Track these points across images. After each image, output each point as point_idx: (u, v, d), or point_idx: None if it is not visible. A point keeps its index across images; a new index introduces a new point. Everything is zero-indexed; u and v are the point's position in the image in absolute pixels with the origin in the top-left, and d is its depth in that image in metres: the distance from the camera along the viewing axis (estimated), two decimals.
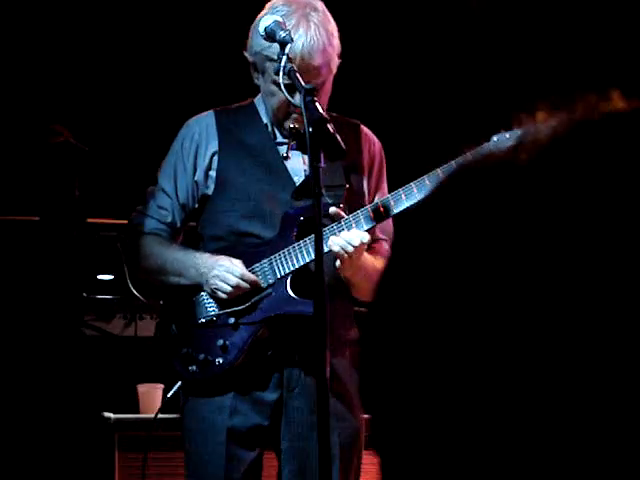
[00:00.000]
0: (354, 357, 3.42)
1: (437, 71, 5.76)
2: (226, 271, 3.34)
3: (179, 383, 3.43)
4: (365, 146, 3.53)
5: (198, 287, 3.42)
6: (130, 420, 4.58)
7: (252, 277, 3.35)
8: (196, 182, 3.49)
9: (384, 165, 3.58)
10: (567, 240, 0.75)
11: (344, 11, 3.63)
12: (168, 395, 3.47)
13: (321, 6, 3.39)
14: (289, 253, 3.34)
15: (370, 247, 3.49)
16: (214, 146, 3.48)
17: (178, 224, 3.52)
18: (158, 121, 3.93)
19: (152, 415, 4.62)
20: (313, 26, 3.30)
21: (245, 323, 3.37)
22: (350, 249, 3.20)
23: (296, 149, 3.46)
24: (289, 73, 3.08)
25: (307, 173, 3.42)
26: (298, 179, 3.44)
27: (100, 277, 5.30)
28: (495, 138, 3.22)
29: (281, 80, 3.10)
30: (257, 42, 3.34)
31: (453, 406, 0.78)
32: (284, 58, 3.10)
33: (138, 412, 4.76)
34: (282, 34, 3.13)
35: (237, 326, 3.37)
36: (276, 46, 3.23)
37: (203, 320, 3.41)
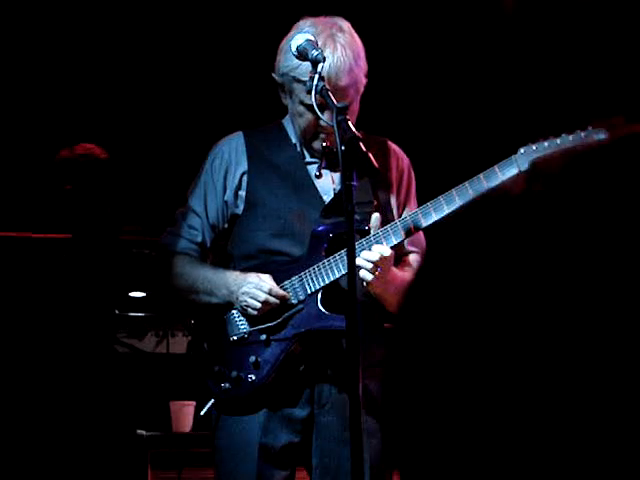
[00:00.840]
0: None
1: (465, 86, 5.76)
2: (255, 287, 3.36)
3: (212, 401, 3.44)
4: (393, 162, 3.54)
5: (229, 305, 3.44)
6: (163, 437, 4.60)
7: (281, 292, 3.37)
8: (226, 202, 3.52)
9: (413, 180, 3.60)
10: (583, 265, 0.76)
11: (371, 28, 3.64)
12: (201, 413, 3.48)
13: (347, 27, 3.41)
14: (319, 269, 3.36)
15: (401, 259, 3.49)
16: (243, 166, 3.51)
17: (208, 244, 3.55)
18: (190, 141, 3.95)
19: (184, 432, 4.64)
20: (340, 47, 3.32)
21: (277, 339, 3.39)
22: (369, 266, 3.21)
23: (326, 167, 3.48)
24: (321, 92, 3.09)
25: (336, 191, 3.45)
26: (327, 197, 3.46)
27: (132, 294, 5.33)
28: (522, 150, 3.24)
29: (313, 99, 3.11)
30: (285, 64, 3.37)
31: (478, 419, 0.79)
32: (316, 77, 3.11)
33: (170, 429, 4.78)
34: (314, 53, 3.14)
35: (269, 343, 3.39)
36: (304, 67, 3.25)
37: (235, 338, 3.43)
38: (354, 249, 2.86)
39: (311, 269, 3.37)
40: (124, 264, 5.15)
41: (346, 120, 2.94)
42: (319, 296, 3.37)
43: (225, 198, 3.52)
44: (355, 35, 3.41)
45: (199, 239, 3.54)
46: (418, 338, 0.80)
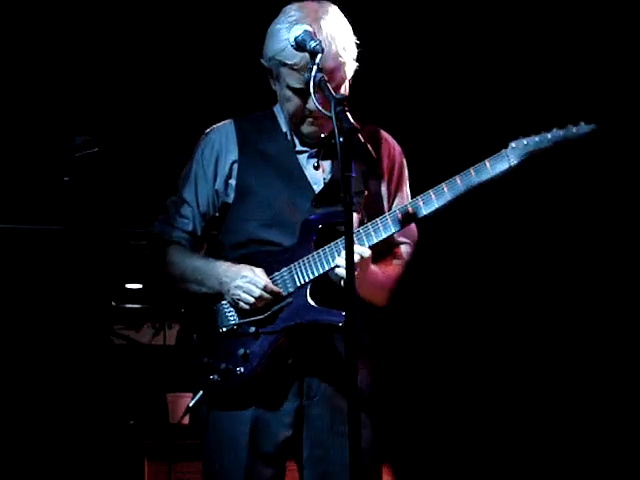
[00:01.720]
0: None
1: (458, 78, 5.77)
2: (249, 282, 3.34)
3: (200, 392, 3.43)
4: (385, 151, 3.52)
5: (219, 296, 3.42)
6: (159, 429, 4.60)
7: (275, 288, 3.35)
8: (216, 191, 3.50)
9: (404, 169, 3.57)
10: (577, 260, 0.76)
11: (361, 15, 3.63)
12: (190, 404, 3.47)
13: (334, 10, 3.38)
14: (309, 261, 3.34)
15: (391, 251, 3.49)
16: (234, 155, 3.49)
17: (199, 232, 3.53)
18: (185, 132, 3.95)
19: (181, 424, 4.64)
20: (325, 30, 3.31)
21: (265, 332, 3.37)
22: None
23: (316, 157, 3.47)
24: (319, 83, 3.09)
25: (326, 181, 3.43)
26: (317, 187, 3.43)
27: (129, 286, 5.33)
28: (513, 144, 3.22)
29: (311, 90, 3.11)
30: (271, 47, 3.35)
31: (468, 413, 0.79)
32: (314, 68, 3.10)
33: (167, 421, 4.78)
34: (312, 44, 3.13)
35: (258, 335, 3.37)
36: (289, 50, 3.24)
37: (224, 329, 3.42)
38: (352, 240, 2.85)
39: (300, 261, 3.34)
40: (121, 256, 5.15)
41: (344, 111, 2.93)
42: (308, 289, 3.35)
43: (216, 187, 3.50)
44: (343, 19, 3.37)
45: (190, 228, 3.52)
46: (408, 331, 0.80)
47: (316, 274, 3.33)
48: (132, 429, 4.56)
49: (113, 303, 5.15)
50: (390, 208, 3.46)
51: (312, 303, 3.34)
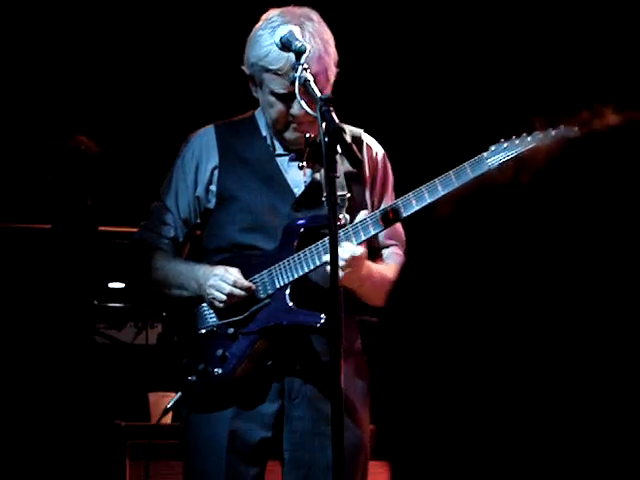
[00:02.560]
0: (358, 367, 3.42)
1: (438, 79, 5.78)
2: (220, 279, 3.35)
3: (179, 394, 3.43)
4: (367, 155, 3.52)
5: (201, 298, 3.43)
6: (141, 428, 4.59)
7: (246, 283, 3.35)
8: (197, 197, 3.52)
9: (388, 172, 3.57)
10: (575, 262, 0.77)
11: (344, 19, 3.64)
12: (168, 405, 3.48)
13: (316, 16, 3.38)
14: (289, 264, 3.34)
15: (378, 254, 3.49)
16: (214, 161, 3.50)
17: (180, 238, 3.55)
18: (170, 132, 3.95)
19: (164, 423, 4.64)
20: (308, 35, 3.31)
21: (244, 333, 3.38)
22: (341, 263, 3.16)
23: (296, 160, 3.46)
24: (304, 83, 3.09)
25: (307, 184, 3.44)
26: (298, 190, 3.44)
27: (111, 285, 5.32)
28: (493, 147, 3.22)
29: (297, 90, 3.11)
30: (254, 54, 3.35)
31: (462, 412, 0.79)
32: (299, 68, 3.11)
33: (149, 420, 4.77)
34: (297, 44, 3.14)
35: (236, 336, 3.38)
36: (273, 54, 3.26)
37: (203, 331, 3.42)
38: (337, 242, 2.86)
39: (281, 263, 3.35)
40: (103, 255, 5.14)
41: (330, 111, 2.94)
42: (288, 291, 3.35)
43: (197, 193, 3.51)
44: (324, 24, 3.38)
45: (171, 234, 3.54)
46: (408, 332, 0.80)
47: (295, 276, 3.34)
48: (114, 429, 4.54)
49: (95, 302, 5.14)
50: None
51: (291, 305, 3.34)
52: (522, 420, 0.77)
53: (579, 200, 0.80)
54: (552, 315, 0.78)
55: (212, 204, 3.49)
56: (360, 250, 3.25)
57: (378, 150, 3.57)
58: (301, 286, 3.36)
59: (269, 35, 3.30)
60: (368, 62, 5.60)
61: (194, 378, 3.38)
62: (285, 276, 3.35)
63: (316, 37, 3.31)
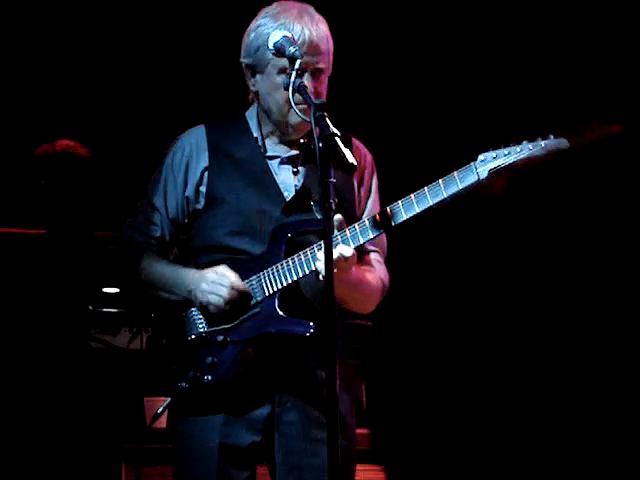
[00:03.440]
0: (345, 375, 3.40)
1: (427, 86, 5.79)
2: (215, 283, 3.33)
3: (168, 400, 3.42)
4: (356, 159, 3.52)
5: (189, 302, 3.41)
6: (137, 433, 4.59)
7: (242, 287, 3.33)
8: (187, 197, 3.49)
9: (375, 177, 3.56)
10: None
11: (338, 19, 3.65)
12: (158, 411, 3.47)
13: (314, 11, 3.40)
14: (277, 270, 3.32)
15: (361, 258, 3.47)
16: (205, 161, 3.47)
17: (167, 238, 3.52)
18: (163, 136, 3.95)
19: (159, 427, 4.64)
20: (309, 19, 3.33)
21: (233, 341, 3.35)
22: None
23: (287, 163, 3.45)
24: (299, 88, 3.10)
25: (297, 188, 3.41)
26: (288, 194, 3.41)
27: (106, 290, 5.32)
28: (482, 157, 3.19)
29: (290, 95, 3.11)
30: (256, 39, 3.35)
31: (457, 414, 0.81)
32: (293, 74, 3.11)
33: (144, 425, 4.78)
34: (292, 49, 3.13)
35: (226, 344, 3.35)
36: (278, 34, 3.24)
37: (193, 337, 3.40)
38: (332, 246, 2.85)
39: (270, 269, 3.33)
40: (98, 260, 5.14)
41: (324, 117, 2.94)
42: (276, 298, 3.33)
43: (186, 194, 3.48)
44: (323, 19, 3.40)
45: (158, 234, 3.51)
46: (403, 339, 0.81)
47: (284, 283, 3.31)
48: (109, 433, 4.55)
49: (90, 307, 5.14)
50: (361, 216, 3.45)
51: (281, 313, 3.32)
52: (516, 424, 0.79)
53: (569, 207, 0.81)
54: (547, 320, 0.79)
55: (201, 205, 3.46)
56: (350, 251, 3.23)
57: (367, 154, 3.55)
58: (290, 293, 3.34)
59: (270, 19, 3.33)
60: (359, 68, 5.61)
61: (184, 385, 3.36)
62: (274, 283, 3.32)
63: (319, 23, 3.35)
